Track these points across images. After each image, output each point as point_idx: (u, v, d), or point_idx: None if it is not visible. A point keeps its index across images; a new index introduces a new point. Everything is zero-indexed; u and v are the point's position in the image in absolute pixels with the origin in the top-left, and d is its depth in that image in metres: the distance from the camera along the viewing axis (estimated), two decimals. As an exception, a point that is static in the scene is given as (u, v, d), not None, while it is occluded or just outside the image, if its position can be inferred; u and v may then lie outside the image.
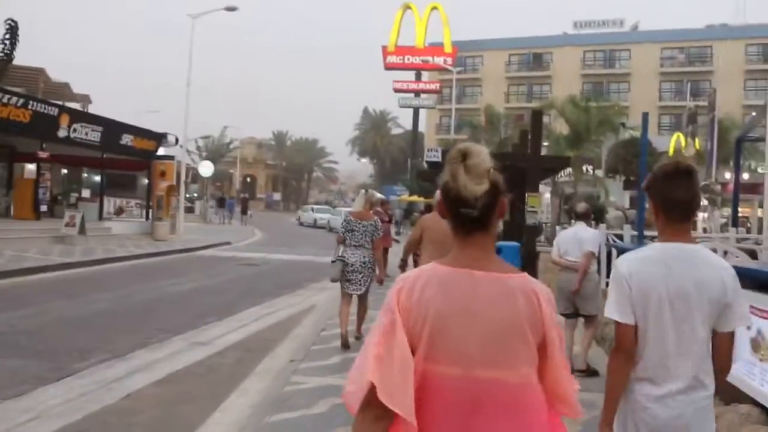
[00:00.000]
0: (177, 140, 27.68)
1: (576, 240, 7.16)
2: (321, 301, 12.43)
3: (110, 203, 24.82)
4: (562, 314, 7.01)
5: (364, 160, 79.76)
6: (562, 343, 1.77)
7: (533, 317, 1.67)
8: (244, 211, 42.17)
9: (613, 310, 2.47)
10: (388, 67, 55.51)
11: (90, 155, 24.00)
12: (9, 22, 15.09)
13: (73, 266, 15.72)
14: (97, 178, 26.52)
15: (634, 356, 2.45)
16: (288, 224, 46.80)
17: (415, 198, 49.36)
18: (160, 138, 26.68)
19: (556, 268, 7.70)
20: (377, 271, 8.08)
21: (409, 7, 55.64)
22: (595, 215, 14.40)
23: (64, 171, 28.05)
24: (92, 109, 31.08)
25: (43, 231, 20.07)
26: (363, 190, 8.80)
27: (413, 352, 1.64)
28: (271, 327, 9.83)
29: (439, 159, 12.62)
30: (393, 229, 19.30)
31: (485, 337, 1.64)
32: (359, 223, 7.92)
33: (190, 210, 41.97)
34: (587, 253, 7.03)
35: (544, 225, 21.97)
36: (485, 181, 1.67)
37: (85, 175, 28.56)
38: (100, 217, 23.80)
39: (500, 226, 16.84)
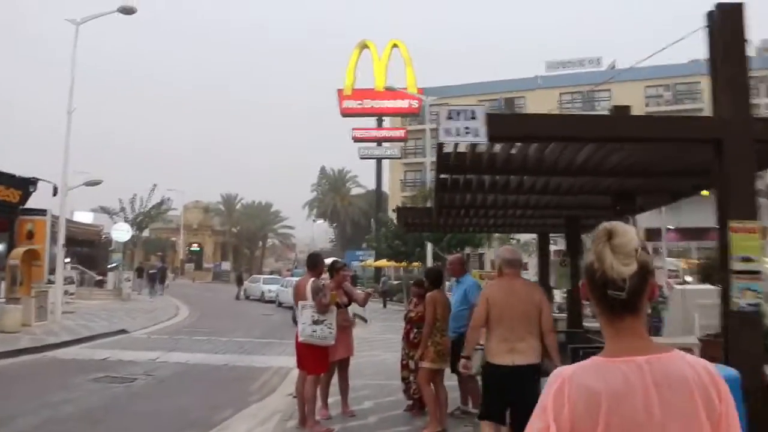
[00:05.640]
0: (56, 190, 19.91)
1: None
2: None
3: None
4: None
5: (320, 221, 72.23)
6: None
7: (704, 391, 1.51)
8: (161, 281, 37.34)
9: None
10: (345, 113, 48.91)
11: None
12: None
13: None
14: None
15: None
16: (230, 297, 38.80)
17: (384, 263, 41.63)
18: (27, 185, 18.93)
19: None
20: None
21: (367, 46, 49.55)
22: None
23: None
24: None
25: None
26: None
27: None
28: None
29: (485, 144, 5.17)
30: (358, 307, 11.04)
31: (671, 428, 1.48)
32: None
33: (100, 284, 33.94)
34: None
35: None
36: (633, 261, 1.55)
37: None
38: None
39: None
